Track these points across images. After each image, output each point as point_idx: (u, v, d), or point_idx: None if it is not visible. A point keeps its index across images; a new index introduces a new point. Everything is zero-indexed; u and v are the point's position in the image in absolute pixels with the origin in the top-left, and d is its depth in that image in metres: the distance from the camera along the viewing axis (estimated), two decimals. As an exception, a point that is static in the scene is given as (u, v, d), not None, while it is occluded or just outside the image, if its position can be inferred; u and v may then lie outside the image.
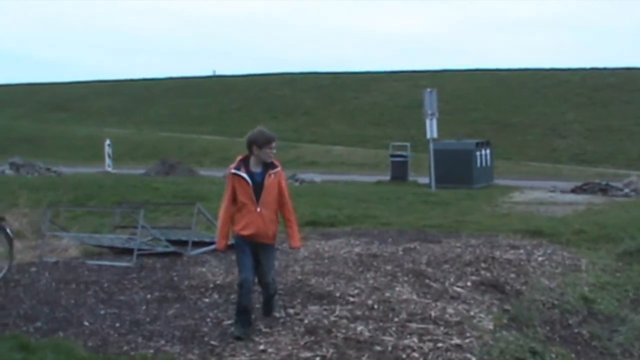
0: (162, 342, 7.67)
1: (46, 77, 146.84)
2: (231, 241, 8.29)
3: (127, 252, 12.49)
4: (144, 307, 8.97)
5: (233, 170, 8.19)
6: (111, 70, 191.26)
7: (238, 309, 8.00)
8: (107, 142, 36.73)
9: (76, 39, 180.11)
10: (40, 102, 70.47)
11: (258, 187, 8.13)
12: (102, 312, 8.79)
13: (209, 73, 77.43)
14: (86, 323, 8.34)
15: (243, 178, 8.15)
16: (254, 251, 8.15)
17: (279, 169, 8.38)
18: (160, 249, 12.51)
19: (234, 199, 8.19)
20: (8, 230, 11.18)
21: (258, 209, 8.09)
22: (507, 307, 9.41)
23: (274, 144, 8.28)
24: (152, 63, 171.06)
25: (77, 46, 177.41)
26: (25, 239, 14.57)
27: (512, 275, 10.72)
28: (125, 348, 7.49)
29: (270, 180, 8.21)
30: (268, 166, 8.24)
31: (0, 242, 11.07)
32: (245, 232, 8.09)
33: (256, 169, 8.20)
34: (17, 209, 17.11)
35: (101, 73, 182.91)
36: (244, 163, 8.24)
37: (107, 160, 36.18)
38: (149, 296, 9.52)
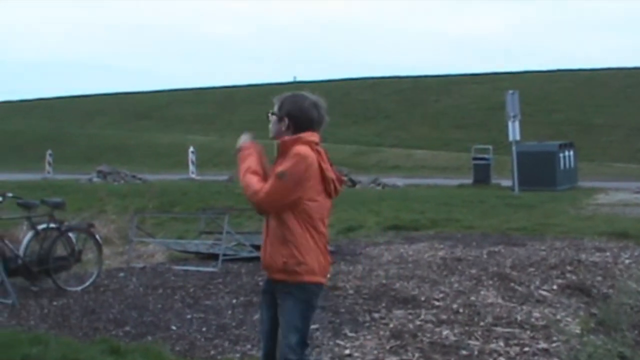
0: (249, 346, 7.72)
1: (131, 87, 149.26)
2: None
3: (212, 257, 12.63)
4: (229, 312, 9.05)
5: None
6: (194, 78, 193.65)
7: None
8: (191, 149, 37.14)
9: (160, 48, 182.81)
10: (126, 111, 71.58)
11: None
12: (189, 316, 8.90)
13: (290, 79, 77.83)
14: (173, 327, 8.45)
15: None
16: (274, 299, 5.49)
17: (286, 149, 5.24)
18: (245, 254, 12.62)
19: None
20: (97, 237, 11.42)
21: (265, 220, 5.49)
22: (594, 310, 9.28)
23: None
24: (233, 70, 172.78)
25: (161, 55, 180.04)
26: (113, 244, 14.86)
27: (599, 279, 10.58)
28: (212, 352, 7.57)
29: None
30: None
31: (90, 248, 11.31)
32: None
33: None
34: (105, 215, 17.49)
35: (184, 81, 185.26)
36: None
37: (191, 167, 36.56)
38: (234, 301, 9.61)
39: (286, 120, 5.30)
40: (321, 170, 5.22)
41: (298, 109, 5.31)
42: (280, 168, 5.12)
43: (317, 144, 5.27)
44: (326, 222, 5.40)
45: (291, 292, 5.27)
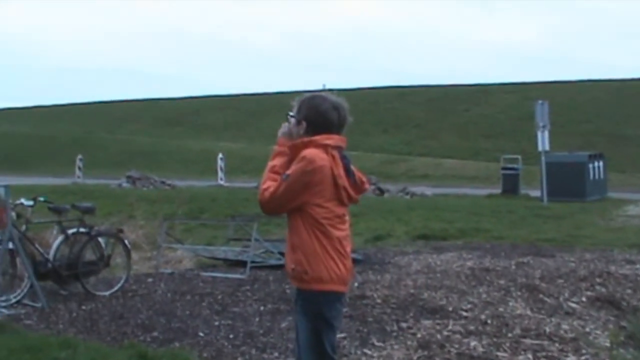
0: (276, 354, 7.73)
1: (162, 93, 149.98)
2: None
3: (240, 264, 12.67)
4: (257, 319, 9.06)
5: None
6: (224, 85, 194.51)
7: None
8: (220, 155, 37.20)
9: (191, 54, 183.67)
10: (156, 117, 71.92)
11: None
12: (217, 323, 8.92)
13: (320, 87, 77.90)
14: (201, 334, 8.47)
15: None
16: None
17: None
18: (272, 262, 12.63)
19: None
20: (126, 242, 11.49)
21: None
22: (623, 324, 9.20)
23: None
24: (263, 77, 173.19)
25: (191, 61, 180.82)
26: (142, 250, 14.95)
27: (629, 291, 10.48)
28: (239, 359, 7.59)
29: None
30: None
31: (119, 253, 11.40)
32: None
33: None
34: (134, 220, 17.58)
35: (215, 88, 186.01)
36: None
37: (220, 174, 36.63)
38: (262, 308, 9.62)
39: (304, 123, 5.09)
40: (333, 176, 4.98)
41: (316, 112, 5.09)
42: (287, 171, 4.95)
43: (334, 147, 5.02)
44: (343, 227, 5.09)
45: (301, 303, 5.04)
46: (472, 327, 8.47)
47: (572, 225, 18.34)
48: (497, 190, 30.67)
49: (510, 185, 30.17)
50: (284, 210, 5.06)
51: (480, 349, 7.77)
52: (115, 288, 10.81)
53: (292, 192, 4.92)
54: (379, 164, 43.69)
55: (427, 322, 8.71)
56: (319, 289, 4.98)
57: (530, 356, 7.62)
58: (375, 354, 7.61)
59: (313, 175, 4.90)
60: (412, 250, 14.26)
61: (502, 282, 10.62)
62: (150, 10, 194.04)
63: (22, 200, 10.65)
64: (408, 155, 47.76)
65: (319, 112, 5.08)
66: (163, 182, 32.85)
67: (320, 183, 4.92)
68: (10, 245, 9.89)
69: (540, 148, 26.88)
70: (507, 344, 7.94)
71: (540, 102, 27.45)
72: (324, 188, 4.94)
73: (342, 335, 8.14)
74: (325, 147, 4.99)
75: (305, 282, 4.98)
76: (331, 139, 5.03)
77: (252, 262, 12.26)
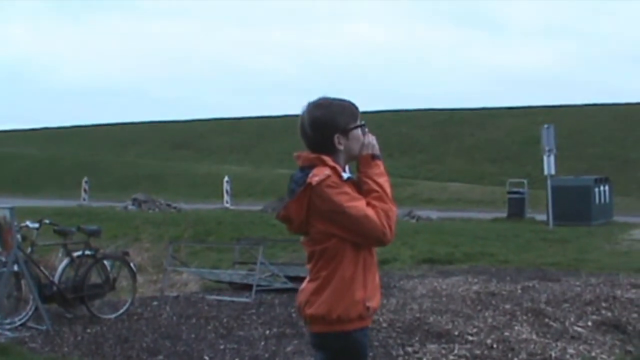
0: (281, 377, 7.72)
1: (168, 116, 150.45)
2: None
3: (245, 287, 12.65)
4: (262, 343, 9.05)
5: (346, 174, 4.34)
6: (230, 108, 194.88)
7: None
8: (226, 178, 37.26)
9: (197, 77, 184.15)
10: (162, 140, 72.06)
11: None
12: (222, 347, 8.91)
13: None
14: (206, 357, 8.47)
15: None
16: None
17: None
18: (278, 285, 12.63)
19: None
20: (131, 265, 11.50)
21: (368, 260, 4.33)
22: (629, 348, 9.17)
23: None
24: (269, 100, 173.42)
25: (197, 84, 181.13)
26: (147, 273, 14.92)
27: (634, 315, 10.44)
28: (244, 383, 7.58)
29: None
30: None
31: (124, 276, 11.40)
32: (374, 304, 4.40)
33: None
34: (139, 243, 17.56)
35: (221, 111, 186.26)
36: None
37: (226, 197, 36.67)
38: (267, 332, 9.61)
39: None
40: None
41: None
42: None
43: None
44: None
45: None
46: (477, 352, 8.45)
47: (578, 249, 18.33)
48: (503, 214, 30.67)
49: (516, 209, 30.16)
50: None
51: (486, 374, 7.75)
52: (121, 311, 10.81)
53: None
54: (384, 188, 43.57)
55: (432, 347, 8.69)
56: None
57: (536, 381, 7.60)
58: (380, 378, 7.59)
59: None
60: (417, 274, 14.25)
61: (507, 306, 10.59)
62: (156, 33, 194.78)
63: (28, 223, 10.68)
64: (413, 179, 47.74)
65: None
66: (169, 205, 32.89)
67: None
68: (16, 268, 9.92)
69: (546, 172, 26.93)
70: (513, 369, 7.92)
71: (546, 126, 27.51)
72: None
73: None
74: None
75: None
76: None
77: (258, 285, 12.25)
